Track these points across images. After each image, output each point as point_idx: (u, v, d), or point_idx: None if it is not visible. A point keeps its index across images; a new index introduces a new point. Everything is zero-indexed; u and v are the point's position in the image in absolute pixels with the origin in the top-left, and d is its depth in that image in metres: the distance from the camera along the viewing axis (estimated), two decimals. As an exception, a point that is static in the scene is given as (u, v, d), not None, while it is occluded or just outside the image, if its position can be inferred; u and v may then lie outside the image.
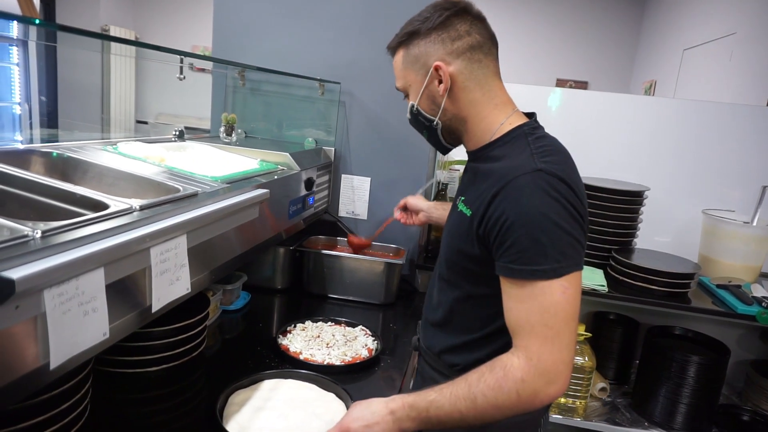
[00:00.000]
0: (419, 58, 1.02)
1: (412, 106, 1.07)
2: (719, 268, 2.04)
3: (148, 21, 6.61)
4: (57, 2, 6.08)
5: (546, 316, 0.86)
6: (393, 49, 1.08)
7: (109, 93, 5.84)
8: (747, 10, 3.58)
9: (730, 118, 2.23)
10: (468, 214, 0.99)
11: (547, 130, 1.04)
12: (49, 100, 4.85)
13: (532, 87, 2.31)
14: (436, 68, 1.00)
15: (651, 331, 2.14)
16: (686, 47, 4.50)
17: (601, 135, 2.33)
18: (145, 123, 5.97)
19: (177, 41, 6.51)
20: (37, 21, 0.62)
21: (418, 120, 1.09)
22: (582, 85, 5.95)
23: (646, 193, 2.10)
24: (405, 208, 1.62)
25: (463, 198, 1.05)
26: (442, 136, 1.08)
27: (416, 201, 1.58)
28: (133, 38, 6.40)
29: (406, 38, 1.03)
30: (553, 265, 0.85)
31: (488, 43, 1.02)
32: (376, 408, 0.93)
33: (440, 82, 1.00)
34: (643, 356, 2.11)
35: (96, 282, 0.71)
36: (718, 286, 1.94)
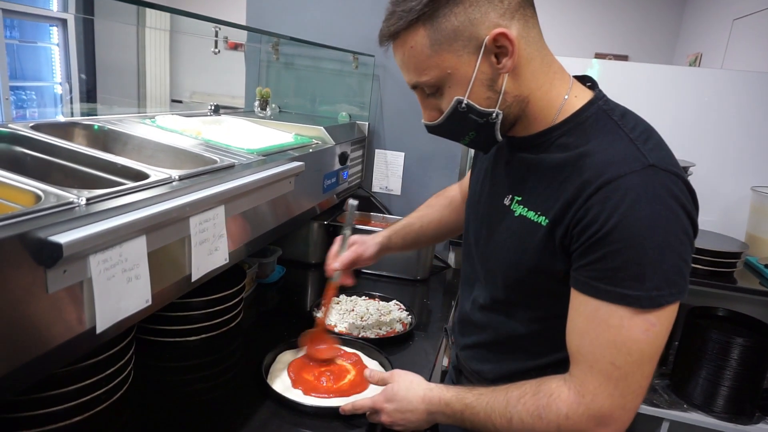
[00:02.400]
0: (460, 31, 0.73)
1: (459, 102, 0.77)
2: (767, 247, 1.96)
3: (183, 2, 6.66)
4: (94, -18, 6.17)
5: (616, 353, 0.70)
6: (401, 31, 0.76)
7: (144, 72, 5.94)
8: (804, -25, 3.37)
9: (781, 89, 2.11)
10: (542, 223, 0.79)
11: None
12: (88, 78, 4.97)
13: (568, 59, 2.23)
14: (496, 38, 0.73)
15: (692, 311, 2.08)
16: (736, 17, 4.27)
17: (643, 109, 2.22)
18: (180, 102, 6.06)
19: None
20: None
21: (465, 120, 0.80)
22: (622, 58, 5.74)
23: (691, 169, 2.01)
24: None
25: (519, 198, 0.85)
26: (501, 128, 0.81)
27: (361, 249, 1.19)
28: (168, 18, 6.46)
29: (428, 9, 0.73)
30: (650, 292, 0.68)
31: None
32: (413, 397, 0.90)
33: (499, 57, 0.75)
34: (684, 337, 2.05)
35: (138, 249, 0.72)
36: (767, 266, 1.86)
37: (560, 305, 0.79)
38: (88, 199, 0.69)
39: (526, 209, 0.83)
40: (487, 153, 0.96)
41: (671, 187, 0.70)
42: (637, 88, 2.23)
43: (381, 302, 1.50)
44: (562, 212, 0.76)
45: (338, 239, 1.21)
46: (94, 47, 5.43)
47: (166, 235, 0.80)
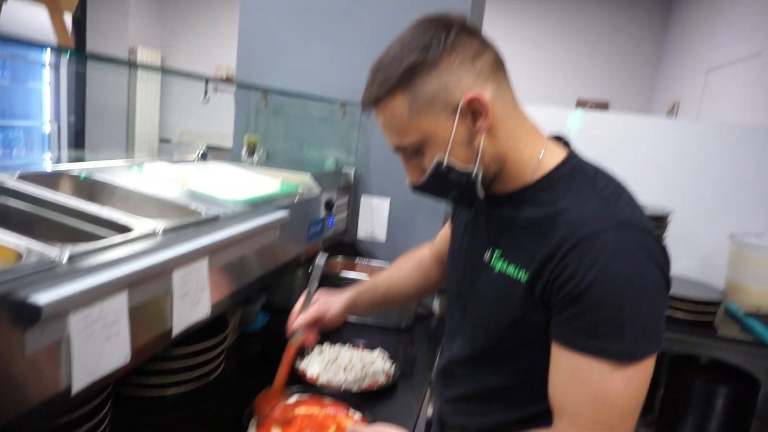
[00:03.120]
0: (437, 95, 0.77)
1: (439, 163, 0.80)
2: (748, 295, 1.99)
3: (174, 41, 6.79)
4: (88, 23, 6.29)
5: (599, 408, 0.72)
6: (381, 98, 0.80)
7: (134, 112, 6.00)
8: (772, 31, 3.54)
9: (756, 140, 2.19)
10: (521, 278, 0.80)
11: None
12: (77, 119, 5.00)
13: (552, 108, 2.31)
14: (470, 101, 0.77)
15: (676, 359, 2.09)
16: (710, 68, 4.45)
17: (624, 157, 2.30)
18: (169, 141, 6.10)
19: (202, 60, 6.67)
20: (69, 53, 0.64)
21: (446, 179, 0.82)
22: (603, 104, 5.92)
23: (670, 216, 2.06)
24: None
25: (500, 252, 0.86)
26: (481, 185, 0.84)
27: (325, 307, 1.14)
28: (159, 58, 6.57)
29: (406, 77, 0.77)
30: (629, 346, 0.70)
31: (501, 59, 0.83)
32: None
33: (474, 118, 0.78)
34: (668, 385, 2.05)
35: (119, 306, 0.72)
36: (747, 314, 1.88)
37: (542, 357, 0.80)
38: (70, 255, 0.69)
39: (506, 264, 0.84)
40: (470, 209, 0.98)
41: (643, 243, 0.73)
42: (618, 136, 2.30)
43: (365, 351, 1.49)
44: (541, 267, 0.77)
45: (303, 295, 1.17)
46: (85, 87, 5.48)
47: (147, 290, 0.80)
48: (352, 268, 1.90)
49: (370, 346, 1.51)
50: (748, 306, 1.92)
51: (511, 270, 0.83)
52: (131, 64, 0.82)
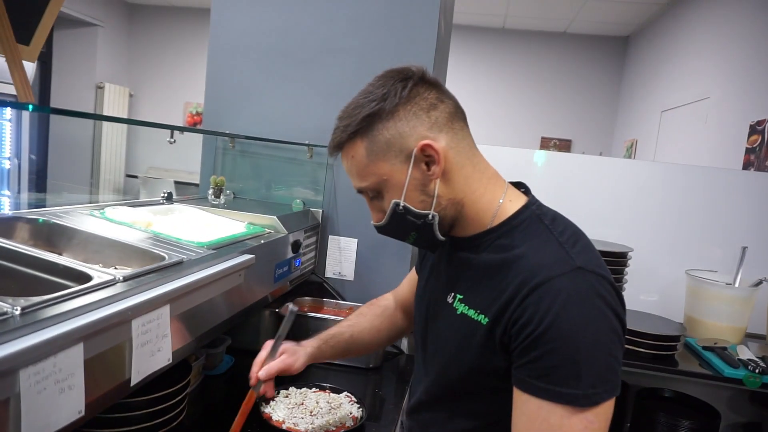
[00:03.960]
0: (393, 142, 0.82)
1: (396, 205, 0.85)
2: (705, 328, 2.04)
3: (142, 78, 6.77)
4: (54, 60, 6.24)
5: None
6: (344, 143, 0.86)
7: (99, 148, 5.91)
8: (719, 75, 3.76)
9: (707, 180, 2.30)
10: (482, 321, 0.82)
11: (532, 191, 0.91)
12: (39, 156, 4.90)
13: (516, 149, 2.39)
14: (423, 148, 0.81)
15: (641, 393, 2.12)
16: (664, 109, 4.68)
17: (585, 196, 2.38)
18: (135, 177, 6.02)
19: (171, 97, 6.66)
20: (30, 107, 0.64)
21: (405, 221, 0.86)
22: (566, 143, 6.13)
23: (630, 254, 2.13)
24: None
25: (461, 296, 0.88)
26: (440, 229, 0.87)
27: (291, 360, 1.11)
28: (127, 94, 6.54)
29: (365, 124, 0.83)
30: (586, 390, 0.71)
31: (460, 108, 0.88)
32: None
33: (428, 165, 0.83)
34: (634, 419, 2.08)
35: (74, 358, 0.70)
36: (704, 347, 1.94)
37: (505, 401, 0.81)
38: (23, 308, 0.67)
39: (467, 307, 0.86)
40: (434, 252, 1.00)
41: (598, 288, 0.75)
42: (580, 176, 2.38)
43: (332, 394, 1.47)
44: (500, 311, 0.79)
45: (267, 345, 1.13)
46: (49, 120, 5.40)
47: (105, 341, 0.78)
48: (320, 309, 1.89)
49: (337, 389, 1.49)
50: (705, 339, 1.98)
51: (472, 313, 0.85)
52: (96, 116, 0.82)
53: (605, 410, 0.73)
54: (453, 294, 0.90)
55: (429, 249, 1.00)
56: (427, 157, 0.83)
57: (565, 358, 0.72)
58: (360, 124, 0.83)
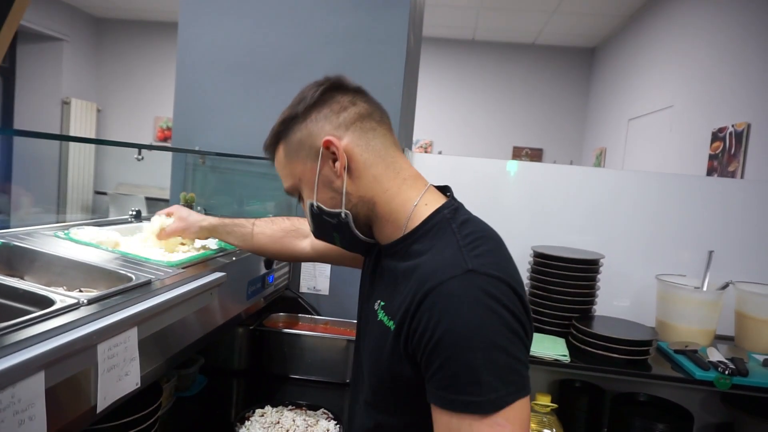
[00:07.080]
0: (303, 142, 0.87)
1: (311, 205, 0.89)
2: (676, 332, 2.08)
3: (110, 93, 6.66)
4: (18, 75, 6.09)
5: None
6: (272, 147, 0.93)
7: (66, 165, 5.77)
8: (682, 85, 3.88)
9: (674, 187, 2.36)
10: (391, 328, 0.81)
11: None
12: (2, 174, 4.75)
13: (487, 160, 2.41)
14: (327, 145, 0.85)
15: (616, 398, 2.14)
16: (631, 117, 4.80)
17: (558, 204, 2.42)
18: (104, 194, 5.88)
19: (141, 112, 6.56)
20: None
21: (323, 221, 0.90)
22: (537, 152, 6.23)
23: (602, 260, 2.16)
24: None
25: (382, 303, 0.88)
26: (358, 229, 0.89)
27: (183, 226, 1.31)
28: (95, 110, 6.41)
29: (282, 128, 0.90)
30: (488, 396, 0.68)
31: (378, 112, 0.90)
32: None
33: (334, 162, 0.86)
34: (610, 425, 2.10)
35: (35, 387, 0.68)
36: (676, 351, 1.97)
37: (421, 411, 0.78)
38: (-20, 337, 0.64)
39: (384, 314, 0.85)
40: (364, 255, 1.02)
41: (489, 289, 0.72)
42: (552, 185, 2.42)
43: (308, 411, 1.45)
44: (402, 319, 0.78)
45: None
46: (12, 138, 5.24)
47: (68, 367, 0.75)
48: (295, 324, 1.86)
49: (314, 407, 1.47)
50: (676, 343, 2.01)
51: (386, 320, 0.84)
52: (62, 137, 0.80)
53: (516, 412, 0.69)
54: (378, 301, 0.89)
55: (357, 251, 1.00)
56: (333, 154, 0.86)
57: (462, 365, 0.70)
58: (279, 128, 0.90)
